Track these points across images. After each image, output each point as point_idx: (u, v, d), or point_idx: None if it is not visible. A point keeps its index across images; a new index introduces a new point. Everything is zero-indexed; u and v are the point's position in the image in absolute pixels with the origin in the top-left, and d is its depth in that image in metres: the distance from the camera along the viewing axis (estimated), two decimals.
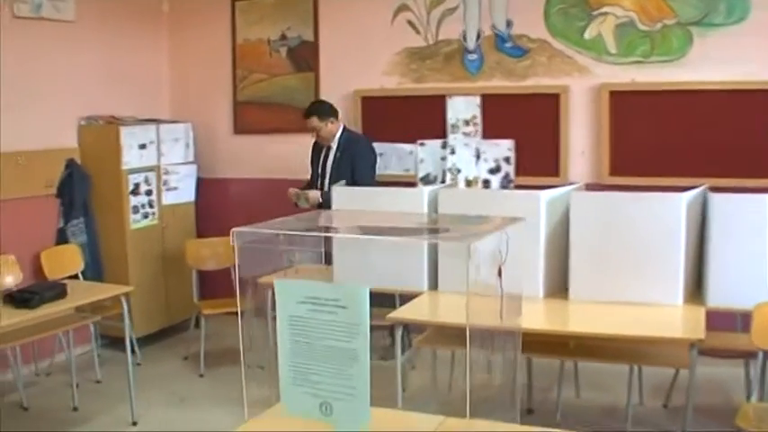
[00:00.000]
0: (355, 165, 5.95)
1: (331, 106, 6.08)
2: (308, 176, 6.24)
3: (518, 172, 6.08)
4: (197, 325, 6.27)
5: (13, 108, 5.97)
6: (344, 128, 6.12)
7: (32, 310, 4.69)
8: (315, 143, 6.17)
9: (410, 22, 6.40)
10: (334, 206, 5.05)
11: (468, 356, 2.23)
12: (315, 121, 5.97)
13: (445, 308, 4.43)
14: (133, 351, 5.95)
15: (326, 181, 6.02)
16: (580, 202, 4.28)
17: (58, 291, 4.90)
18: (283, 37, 6.92)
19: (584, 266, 4.24)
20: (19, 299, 4.74)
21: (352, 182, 5.84)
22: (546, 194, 4.32)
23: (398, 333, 4.21)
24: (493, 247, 2.34)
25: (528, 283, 4.27)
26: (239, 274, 2.51)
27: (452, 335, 4.20)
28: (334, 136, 6.03)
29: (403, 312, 4.30)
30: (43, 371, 6.11)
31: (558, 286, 4.36)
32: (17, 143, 6.03)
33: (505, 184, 6.12)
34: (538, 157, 6.04)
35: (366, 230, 2.70)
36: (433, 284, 4.61)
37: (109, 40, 6.80)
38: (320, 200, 5.82)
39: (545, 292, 4.33)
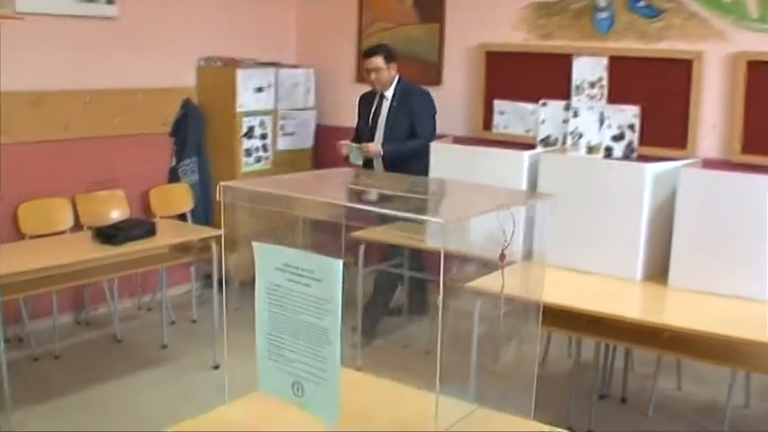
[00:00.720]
0: (415, 117, 5.66)
1: (394, 50, 5.83)
2: (354, 127, 6.05)
3: (641, 141, 5.61)
4: None
5: (134, 46, 6.06)
6: (400, 78, 5.81)
7: (116, 246, 4.71)
8: (363, 95, 5.96)
9: None
10: (432, 165, 4.83)
11: (441, 336, 1.98)
12: (379, 60, 5.66)
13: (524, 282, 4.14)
14: (235, 295, 5.95)
15: (380, 133, 5.74)
16: (689, 179, 3.83)
17: (146, 228, 4.91)
18: None
19: (687, 252, 3.83)
20: (106, 234, 4.78)
21: (410, 136, 5.61)
22: (653, 168, 3.94)
23: (477, 304, 3.90)
24: (489, 227, 2.06)
25: (625, 263, 3.98)
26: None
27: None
28: (391, 84, 5.72)
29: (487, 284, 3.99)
30: (145, 306, 6.21)
31: (660, 269, 3.97)
32: (136, 81, 6.12)
33: (628, 153, 5.68)
34: (664, 127, 5.58)
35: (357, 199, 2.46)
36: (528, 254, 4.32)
37: None
38: (380, 152, 5.60)
39: (643, 274, 3.97)
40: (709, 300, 3.70)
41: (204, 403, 2.36)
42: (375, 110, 5.77)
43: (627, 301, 3.83)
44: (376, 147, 5.61)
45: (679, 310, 3.75)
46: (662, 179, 3.96)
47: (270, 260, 2.13)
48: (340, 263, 1.96)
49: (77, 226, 5.63)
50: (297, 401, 2.13)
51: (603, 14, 5.78)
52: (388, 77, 5.71)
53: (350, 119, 6.58)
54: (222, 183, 2.28)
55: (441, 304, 1.99)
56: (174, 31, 6.33)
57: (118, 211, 5.83)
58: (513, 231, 2.11)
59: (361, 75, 6.96)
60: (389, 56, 5.69)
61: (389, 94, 5.73)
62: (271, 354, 2.16)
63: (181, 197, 6.24)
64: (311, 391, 2.09)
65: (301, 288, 2.04)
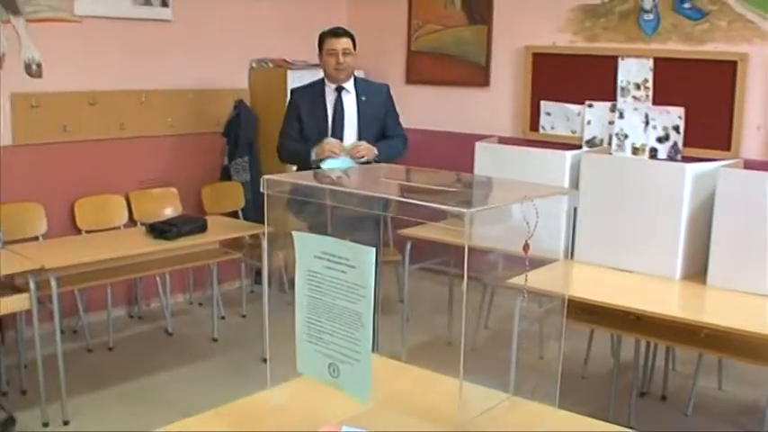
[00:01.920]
0: (389, 114, 5.03)
1: None
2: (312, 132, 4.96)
3: (686, 143, 5.64)
4: None
5: (188, 48, 6.22)
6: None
7: (168, 241, 4.84)
8: (300, 90, 5.08)
9: None
10: (476, 165, 4.89)
11: (464, 326, 2.05)
12: (350, 43, 4.90)
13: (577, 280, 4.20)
14: (285, 291, 6.07)
15: (351, 133, 4.91)
16: (728, 179, 3.85)
17: (197, 225, 5.04)
18: None
19: (725, 251, 3.85)
20: (159, 230, 4.91)
21: (382, 135, 4.97)
22: (692, 168, 3.97)
23: (518, 302, 3.97)
24: (515, 217, 2.13)
25: (665, 262, 4.01)
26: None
27: (582, 310, 3.95)
28: (350, 75, 4.95)
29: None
30: (196, 301, 6.35)
31: (699, 268, 4.00)
32: (190, 81, 6.28)
33: (673, 154, 5.71)
34: (708, 129, 5.57)
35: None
36: (570, 253, 4.39)
37: None
38: (376, 154, 4.80)
39: (682, 273, 4.00)
40: (747, 299, 3.71)
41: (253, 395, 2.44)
42: (335, 106, 4.92)
43: (666, 299, 3.85)
44: (371, 147, 4.81)
45: (717, 308, 3.75)
46: (702, 179, 3.98)
47: (309, 248, 2.22)
48: (373, 251, 2.04)
49: (131, 222, 5.80)
50: (333, 382, 2.22)
51: (649, 16, 5.78)
52: (354, 66, 4.99)
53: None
54: (266, 176, 2.39)
55: (465, 292, 2.02)
56: (226, 34, 6.47)
57: (170, 208, 5.99)
58: (537, 222, 2.15)
59: (411, 76, 7.08)
60: (354, 43, 4.96)
61: (350, 86, 4.95)
62: (310, 337, 2.25)
63: (233, 195, 6.38)
64: (346, 371, 2.18)
65: (338, 274, 2.13)
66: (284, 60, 6.68)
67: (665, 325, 3.69)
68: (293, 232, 2.28)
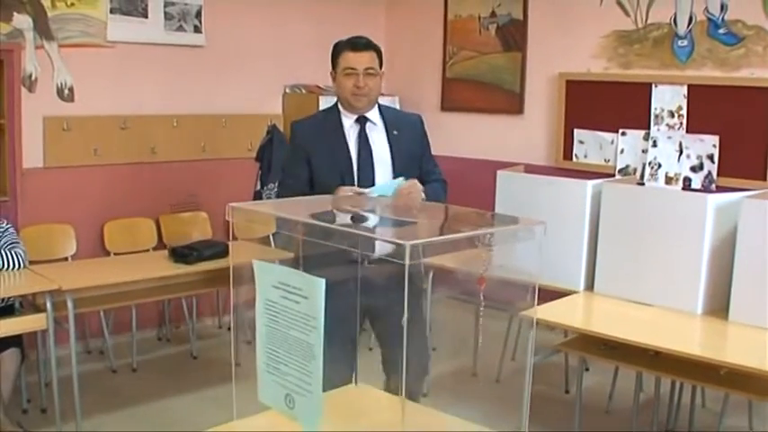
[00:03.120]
0: (426, 151, 3.83)
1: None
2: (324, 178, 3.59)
3: (720, 172, 5.47)
4: None
5: (220, 73, 6.25)
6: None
7: (189, 265, 4.85)
8: (304, 123, 3.80)
9: (620, 3, 5.92)
10: (498, 194, 4.79)
11: (405, 360, 1.97)
12: (375, 60, 3.62)
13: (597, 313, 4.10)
14: None
15: (383, 174, 3.60)
16: (751, 210, 3.71)
17: (218, 249, 5.03)
18: (493, 14, 6.67)
19: (748, 286, 3.71)
20: (180, 253, 4.93)
21: (421, 172, 3.72)
22: (714, 199, 3.87)
23: (531, 332, 3.85)
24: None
25: (686, 296, 3.89)
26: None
27: (604, 345, 3.86)
28: (374, 102, 3.67)
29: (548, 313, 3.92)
30: (225, 325, 6.34)
31: (721, 303, 3.87)
32: (222, 107, 6.30)
33: (707, 184, 5.54)
34: (744, 158, 5.40)
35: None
36: (590, 284, 4.32)
37: (323, 11, 6.87)
38: (423, 198, 3.50)
39: (704, 307, 3.88)
40: None
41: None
42: (359, 142, 3.61)
43: (686, 335, 3.75)
44: (420, 188, 3.55)
45: (739, 346, 3.64)
46: (725, 210, 3.86)
47: (267, 277, 2.21)
48: (322, 282, 2.02)
49: (161, 245, 5.81)
50: (289, 413, 2.20)
51: (683, 42, 5.65)
52: (378, 90, 3.68)
53: (435, 147, 6.65)
54: (231, 204, 2.43)
55: (405, 324, 1.98)
56: (259, 59, 6.49)
57: (199, 233, 5.98)
58: (491, 256, 2.08)
59: (446, 103, 7.01)
60: (381, 60, 3.68)
61: (375, 117, 3.68)
62: (269, 367, 2.25)
63: (264, 221, 6.34)
64: (300, 403, 2.16)
65: (292, 305, 2.11)
66: (317, 86, 6.66)
67: (686, 362, 3.55)
68: (253, 260, 2.29)
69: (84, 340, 5.64)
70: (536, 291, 2.32)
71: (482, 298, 2.30)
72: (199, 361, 5.68)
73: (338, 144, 3.60)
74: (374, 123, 3.65)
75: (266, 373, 2.25)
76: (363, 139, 3.62)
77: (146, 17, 5.76)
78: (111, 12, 5.59)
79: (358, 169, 3.58)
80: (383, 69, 3.67)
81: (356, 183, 3.53)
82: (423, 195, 3.50)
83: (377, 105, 3.70)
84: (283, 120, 6.63)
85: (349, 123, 3.63)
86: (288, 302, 2.12)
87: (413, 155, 3.71)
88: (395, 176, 3.58)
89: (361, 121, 3.64)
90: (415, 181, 3.52)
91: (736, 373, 3.42)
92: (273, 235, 6.34)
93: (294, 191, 3.54)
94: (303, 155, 3.63)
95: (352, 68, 3.56)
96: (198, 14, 6.06)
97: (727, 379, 3.60)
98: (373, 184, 3.52)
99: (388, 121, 3.69)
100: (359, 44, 3.61)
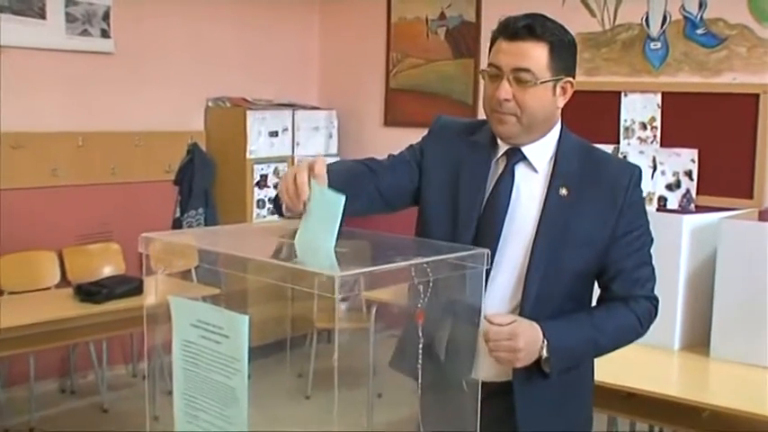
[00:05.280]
0: (625, 240, 2.36)
1: (574, 45, 2.40)
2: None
3: (700, 190, 5.42)
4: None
5: (133, 84, 6.06)
6: (564, 126, 2.42)
7: (98, 304, 4.73)
8: (449, 125, 2.56)
9: (584, 2, 5.89)
10: None
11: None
12: (542, 58, 2.25)
13: None
14: None
15: (511, 258, 2.32)
16: (731, 233, 3.62)
17: (131, 286, 4.91)
18: (442, 16, 6.61)
19: (729, 318, 3.62)
20: (87, 291, 4.81)
21: (583, 285, 2.42)
22: (691, 220, 3.76)
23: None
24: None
25: (661, 330, 3.64)
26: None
27: None
28: (547, 131, 2.35)
29: None
30: (141, 373, 6.14)
31: (701, 338, 3.76)
32: (135, 122, 6.11)
33: (685, 204, 5.48)
34: (726, 174, 5.37)
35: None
36: None
37: (250, 14, 6.75)
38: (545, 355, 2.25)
39: (682, 342, 3.77)
40: (756, 373, 3.49)
41: None
42: (497, 188, 2.36)
43: (663, 374, 3.65)
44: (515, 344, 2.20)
45: (721, 386, 3.58)
46: (703, 233, 3.76)
47: (185, 315, 2.15)
48: (246, 319, 1.95)
49: (65, 282, 5.58)
50: None
51: (656, 44, 5.64)
52: (543, 110, 2.29)
53: None
54: (145, 234, 2.28)
55: (336, 363, 1.88)
56: (178, 68, 6.34)
57: (111, 267, 5.81)
58: (430, 288, 2.03)
59: (390, 118, 6.85)
60: (565, 56, 2.32)
61: (538, 155, 2.37)
62: (187, 415, 2.20)
63: (184, 253, 6.05)
64: None
65: (213, 345, 2.05)
66: (244, 99, 6.54)
67: (663, 403, 3.45)
68: (169, 297, 2.22)
69: None
70: (480, 323, 2.17)
71: (421, 335, 2.14)
72: (110, 415, 5.45)
73: (463, 179, 2.42)
74: (531, 166, 2.37)
75: (185, 423, 2.19)
76: (504, 185, 2.36)
77: (43, 18, 5.53)
78: (0, 11, 5.34)
79: (477, 229, 2.34)
80: (567, 76, 2.30)
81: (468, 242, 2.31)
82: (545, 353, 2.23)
83: (552, 137, 2.37)
84: (206, 137, 6.50)
85: (494, 153, 2.42)
86: (208, 342, 2.05)
87: (589, 239, 2.34)
88: (529, 273, 2.31)
89: (512, 155, 2.39)
90: (506, 321, 2.19)
91: (720, 415, 3.37)
92: (196, 268, 6.05)
93: (361, 171, 2.40)
94: (420, 159, 2.50)
95: (497, 66, 2.29)
96: (106, 16, 5.85)
97: (710, 422, 3.50)
98: (491, 261, 2.19)
99: (563, 167, 2.37)
100: (516, 26, 2.29)
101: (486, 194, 2.36)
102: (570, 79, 2.31)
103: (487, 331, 2.16)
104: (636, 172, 2.40)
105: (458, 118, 2.62)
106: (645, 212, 2.44)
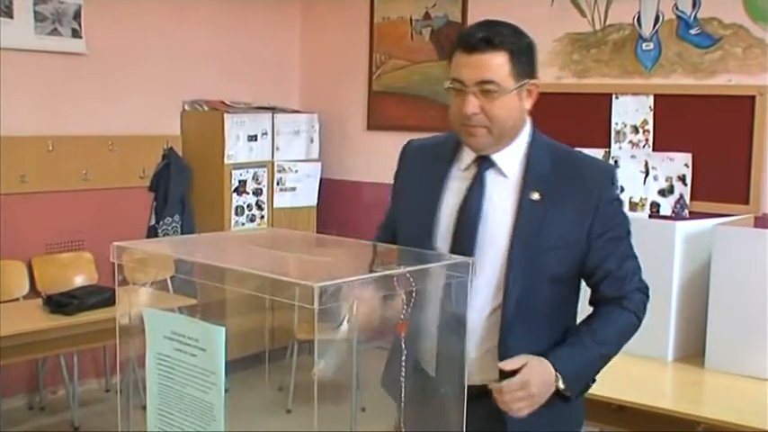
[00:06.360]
0: (607, 239, 2.42)
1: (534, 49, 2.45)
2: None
3: (694, 196, 5.45)
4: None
5: (106, 87, 6.04)
6: (535, 129, 2.52)
7: (68, 316, 4.72)
8: (416, 146, 2.65)
9: (574, 2, 5.90)
10: None
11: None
12: (503, 67, 2.30)
13: None
14: None
15: (490, 267, 2.36)
16: (725, 239, 3.64)
17: (104, 297, 4.89)
18: (427, 16, 6.62)
19: (725, 327, 3.65)
20: (57, 302, 4.80)
21: (567, 292, 2.52)
22: (684, 227, 3.79)
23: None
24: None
25: (654, 341, 3.77)
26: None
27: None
28: (514, 136, 2.42)
29: None
30: (114, 387, 6.10)
31: (695, 348, 3.80)
32: (109, 126, 6.08)
33: (679, 210, 5.48)
34: (721, 179, 5.38)
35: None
36: None
37: (229, 14, 6.74)
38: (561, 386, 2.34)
39: (676, 354, 3.80)
40: (753, 385, 3.52)
41: None
42: (469, 197, 2.42)
43: (656, 386, 3.69)
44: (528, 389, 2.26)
45: (717, 398, 3.56)
46: (696, 240, 3.79)
47: (159, 328, 2.15)
48: (222, 330, 1.95)
49: (34, 293, 5.55)
50: None
51: (648, 46, 5.65)
52: (510, 118, 2.35)
53: (361, 172, 6.36)
54: (117, 243, 2.32)
55: (315, 376, 1.94)
56: (153, 70, 6.32)
57: (83, 277, 5.80)
58: (414, 298, 2.06)
59: (373, 121, 6.86)
60: (525, 60, 2.36)
61: (507, 161, 2.43)
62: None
63: (159, 263, 6.02)
64: None
65: (188, 358, 2.05)
66: (222, 102, 6.55)
67: (657, 417, 3.44)
68: (143, 309, 2.25)
69: None
70: (465, 333, 2.18)
71: (404, 346, 2.17)
72: None
73: (434, 191, 2.49)
74: (501, 172, 2.42)
75: None
76: (476, 193, 2.42)
77: (10, 17, 5.49)
78: None
79: (453, 242, 2.40)
80: (528, 79, 2.35)
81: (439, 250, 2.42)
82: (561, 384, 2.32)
83: (526, 139, 2.46)
84: (182, 142, 6.49)
85: (465, 162, 2.48)
86: (183, 355, 2.04)
87: (566, 242, 2.39)
88: (508, 278, 2.36)
89: (482, 162, 2.44)
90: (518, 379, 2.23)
91: (716, 429, 3.35)
92: (171, 278, 6.01)
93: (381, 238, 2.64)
94: (397, 192, 2.66)
95: (459, 80, 2.33)
96: (77, 15, 5.82)
97: None
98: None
99: (534, 171, 2.42)
100: (473, 40, 2.32)
101: (456, 203, 2.44)
102: (534, 81, 2.39)
103: (500, 388, 2.21)
104: (610, 170, 2.60)
105: (427, 137, 2.71)
106: (621, 209, 2.54)
